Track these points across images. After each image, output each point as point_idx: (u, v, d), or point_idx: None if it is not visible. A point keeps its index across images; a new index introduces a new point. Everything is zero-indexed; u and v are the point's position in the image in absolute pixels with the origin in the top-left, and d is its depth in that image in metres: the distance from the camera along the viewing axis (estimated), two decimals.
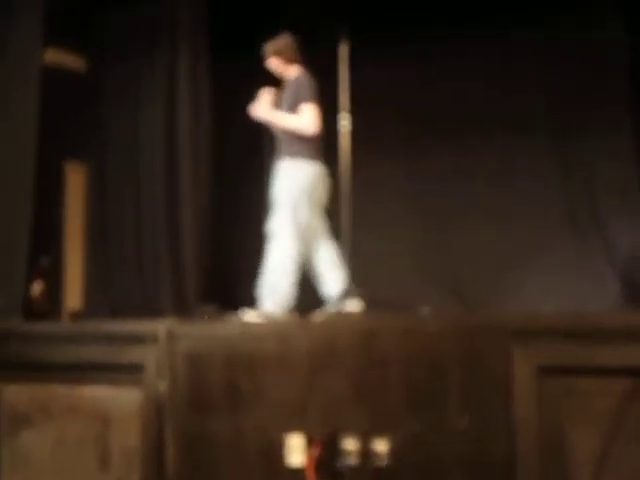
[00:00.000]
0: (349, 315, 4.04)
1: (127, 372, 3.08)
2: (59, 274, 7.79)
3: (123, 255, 6.16)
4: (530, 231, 5.75)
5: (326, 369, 2.61)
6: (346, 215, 4.97)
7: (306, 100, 4.38)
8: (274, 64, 4.60)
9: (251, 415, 2.74)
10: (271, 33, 4.80)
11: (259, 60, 4.75)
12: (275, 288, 4.27)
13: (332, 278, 4.43)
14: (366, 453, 2.49)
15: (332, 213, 5.02)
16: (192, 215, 5.88)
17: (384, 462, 2.45)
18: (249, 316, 4.01)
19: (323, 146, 4.60)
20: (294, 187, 4.38)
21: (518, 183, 5.85)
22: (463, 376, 2.39)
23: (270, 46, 4.61)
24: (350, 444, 2.51)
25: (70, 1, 6.05)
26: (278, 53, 4.58)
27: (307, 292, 4.53)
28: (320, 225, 4.56)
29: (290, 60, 4.57)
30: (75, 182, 8.00)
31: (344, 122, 5.08)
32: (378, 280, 5.96)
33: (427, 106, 6.09)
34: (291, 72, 4.55)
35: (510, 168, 5.88)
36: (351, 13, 5.74)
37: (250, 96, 4.72)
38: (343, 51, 5.10)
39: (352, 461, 2.50)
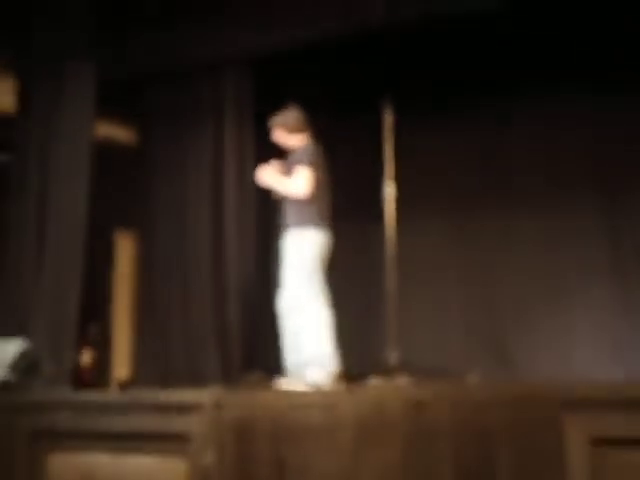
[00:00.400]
0: (397, 384, 4.00)
1: (173, 442, 3.07)
2: (107, 343, 7.87)
3: (170, 323, 6.20)
4: (580, 294, 5.68)
5: (374, 440, 2.57)
6: (392, 281, 4.96)
7: (302, 164, 4.47)
8: (280, 136, 4.71)
9: None
10: (316, 102, 4.90)
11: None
12: (319, 357, 4.25)
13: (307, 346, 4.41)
14: None
15: (378, 280, 5.02)
16: (238, 282, 5.92)
17: None
18: (293, 384, 3.99)
19: (366, 213, 4.64)
20: (306, 256, 4.42)
21: (565, 246, 5.81)
22: (513, 447, 2.33)
23: (276, 119, 4.74)
24: None
25: (119, 76, 6.24)
26: (284, 125, 4.70)
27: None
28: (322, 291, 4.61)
29: (296, 131, 4.67)
30: (124, 251, 8.13)
31: (389, 189, 5.12)
32: (425, 346, 5.91)
33: (472, 173, 6.12)
34: (297, 143, 4.65)
35: (557, 231, 5.85)
36: (396, 82, 5.84)
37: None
38: (388, 119, 5.17)
39: None
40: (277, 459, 2.77)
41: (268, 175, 4.58)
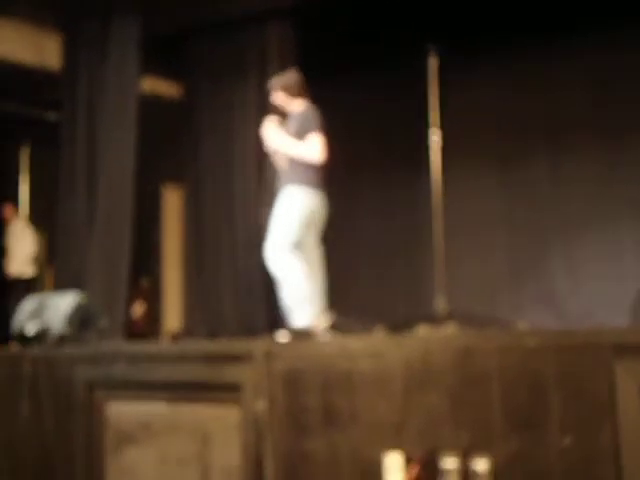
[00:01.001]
0: (445, 332, 4.01)
1: (226, 391, 3.13)
2: (158, 295, 8.01)
3: (219, 275, 6.28)
4: (633, 240, 5.60)
5: (423, 387, 2.59)
6: (438, 230, 4.94)
7: (314, 130, 4.54)
8: (280, 98, 4.73)
9: (348, 434, 2.74)
10: (359, 52, 4.86)
11: (350, 76, 4.81)
12: (301, 305, 4.39)
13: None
14: (466, 472, 2.46)
15: (425, 229, 5.00)
16: None
17: None
18: (341, 334, 4.04)
19: (412, 162, 4.64)
20: (296, 211, 4.49)
21: (615, 191, 5.71)
22: (564, 394, 2.33)
23: (277, 81, 4.78)
24: (449, 463, 2.48)
25: (164, 31, 6.26)
26: (284, 88, 4.74)
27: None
28: (317, 253, 4.74)
29: (296, 95, 4.72)
30: (172, 205, 8.23)
31: (434, 137, 5.07)
32: (473, 294, 5.90)
33: (520, 117, 6.02)
34: (296, 106, 4.68)
35: (606, 176, 5.75)
36: (441, 26, 5.75)
37: (339, 113, 4.77)
38: (433, 64, 5.10)
39: None
40: (326, 407, 2.82)
41: (277, 135, 4.64)
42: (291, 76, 4.82)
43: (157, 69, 6.74)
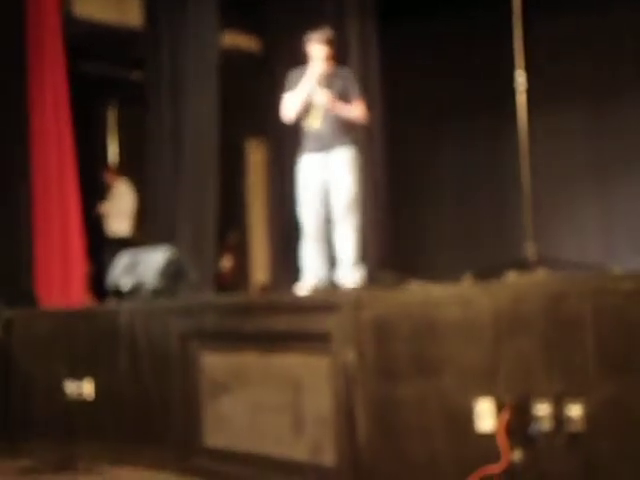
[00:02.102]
0: (535, 278, 3.95)
1: (316, 341, 3.17)
2: (246, 248, 8.12)
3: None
4: None
5: (513, 333, 2.56)
6: (526, 175, 4.84)
7: (359, 95, 4.57)
8: (324, 52, 4.58)
9: (438, 381, 2.75)
10: None
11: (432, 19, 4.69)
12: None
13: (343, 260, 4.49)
14: (559, 418, 2.43)
15: (513, 174, 4.90)
16: (369, 189, 5.95)
17: (578, 427, 2.39)
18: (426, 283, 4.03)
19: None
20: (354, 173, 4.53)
21: None
22: None
23: (323, 34, 4.62)
24: (542, 409, 2.46)
25: None
26: (330, 43, 4.60)
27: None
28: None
29: (334, 52, 4.60)
30: (256, 160, 8.30)
31: (520, 79, 4.93)
32: (562, 240, 5.78)
33: (610, 60, 5.81)
34: (329, 65, 4.57)
35: None
36: None
37: (419, 59, 4.67)
38: (517, 7, 4.94)
39: (545, 426, 2.45)
40: (416, 355, 2.83)
41: (328, 95, 4.57)
42: (332, 34, 4.73)
43: (237, 23, 6.74)
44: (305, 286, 4.38)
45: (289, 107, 4.61)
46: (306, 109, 4.56)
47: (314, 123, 4.57)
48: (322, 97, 4.48)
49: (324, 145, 4.52)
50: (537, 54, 5.12)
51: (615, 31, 5.90)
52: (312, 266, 4.49)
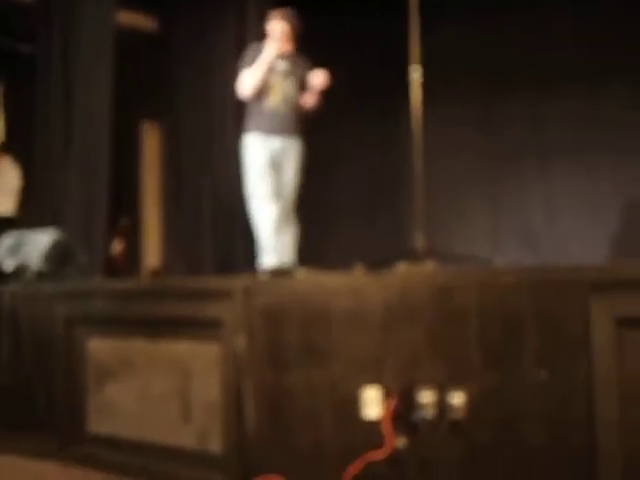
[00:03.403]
0: (424, 269, 4.04)
1: (205, 327, 3.15)
2: (138, 232, 7.96)
3: (198, 213, 6.26)
4: (611, 182, 5.62)
5: (401, 323, 2.62)
6: (419, 167, 4.93)
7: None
8: (286, 30, 4.57)
9: (327, 369, 2.77)
10: None
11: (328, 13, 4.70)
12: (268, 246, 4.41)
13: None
14: (442, 406, 2.50)
15: (404, 166, 4.98)
16: None
17: (460, 415, 2.46)
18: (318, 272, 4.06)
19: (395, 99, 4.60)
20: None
21: (595, 132, 5.72)
22: (540, 329, 2.36)
23: (286, 12, 4.61)
24: (426, 397, 2.53)
25: None
26: (291, 23, 4.61)
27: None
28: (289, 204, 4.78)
29: (295, 36, 4.61)
30: (151, 142, 8.13)
31: (415, 74, 5.01)
32: (451, 233, 5.93)
33: (500, 57, 5.98)
34: (290, 48, 4.58)
35: (589, 115, 5.74)
36: None
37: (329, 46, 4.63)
38: (414, 3, 5.01)
39: (428, 413, 2.52)
40: (306, 343, 2.84)
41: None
42: (295, 15, 4.69)
43: (133, 2, 6.58)
44: (268, 266, 4.36)
45: (247, 84, 4.52)
46: (263, 87, 4.51)
47: (273, 102, 4.54)
48: (317, 77, 4.47)
49: (278, 127, 4.50)
50: (433, 48, 5.22)
51: (506, 28, 6.07)
52: (274, 247, 4.49)
